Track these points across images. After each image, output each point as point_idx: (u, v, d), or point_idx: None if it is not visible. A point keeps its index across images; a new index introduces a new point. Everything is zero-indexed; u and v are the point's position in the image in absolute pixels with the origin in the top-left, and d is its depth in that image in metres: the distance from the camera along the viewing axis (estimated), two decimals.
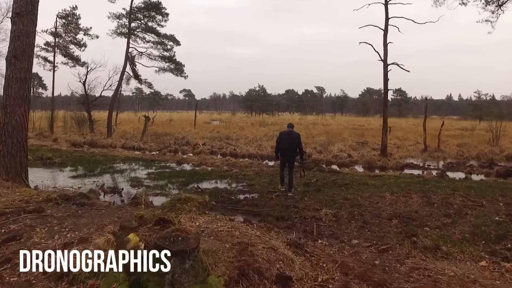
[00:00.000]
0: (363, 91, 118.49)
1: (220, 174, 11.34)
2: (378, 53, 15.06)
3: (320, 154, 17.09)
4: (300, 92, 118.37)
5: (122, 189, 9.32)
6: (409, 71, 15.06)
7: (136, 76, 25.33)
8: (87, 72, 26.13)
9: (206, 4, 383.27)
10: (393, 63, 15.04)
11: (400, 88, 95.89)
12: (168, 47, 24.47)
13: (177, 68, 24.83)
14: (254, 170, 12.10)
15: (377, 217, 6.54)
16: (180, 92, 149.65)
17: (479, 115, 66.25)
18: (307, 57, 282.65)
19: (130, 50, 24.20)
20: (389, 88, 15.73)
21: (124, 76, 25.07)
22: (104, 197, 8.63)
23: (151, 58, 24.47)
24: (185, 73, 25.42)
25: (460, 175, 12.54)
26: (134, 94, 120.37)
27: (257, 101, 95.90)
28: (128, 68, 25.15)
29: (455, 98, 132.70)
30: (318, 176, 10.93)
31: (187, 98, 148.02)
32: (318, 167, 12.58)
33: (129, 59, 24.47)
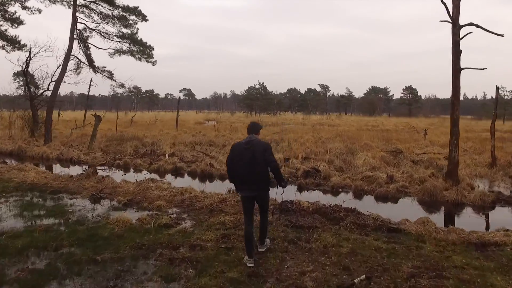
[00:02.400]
0: (367, 90, 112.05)
1: (140, 242, 5.12)
2: (445, 5, 8.81)
3: (342, 174, 10.87)
4: (302, 91, 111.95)
5: None
6: (503, 35, 8.73)
7: (90, 62, 19.04)
8: (29, 57, 20.03)
9: (209, 4, 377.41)
10: (470, 24, 8.80)
11: (411, 85, 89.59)
12: (130, 22, 18.14)
13: (142, 51, 18.55)
14: (223, 221, 5.94)
15: None
16: (180, 91, 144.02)
17: (502, 114, 60.22)
18: (310, 56, 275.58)
19: (79, 27, 18.00)
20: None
21: (74, 61, 18.79)
22: None
23: (104, 37, 18.11)
24: (153, 57, 19.09)
25: None
26: (132, 93, 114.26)
27: (257, 99, 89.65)
28: (80, 53, 18.95)
29: (460, 97, 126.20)
30: (362, 248, 4.74)
31: (187, 98, 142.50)
32: (354, 215, 6.20)
33: (80, 39, 18.25)
